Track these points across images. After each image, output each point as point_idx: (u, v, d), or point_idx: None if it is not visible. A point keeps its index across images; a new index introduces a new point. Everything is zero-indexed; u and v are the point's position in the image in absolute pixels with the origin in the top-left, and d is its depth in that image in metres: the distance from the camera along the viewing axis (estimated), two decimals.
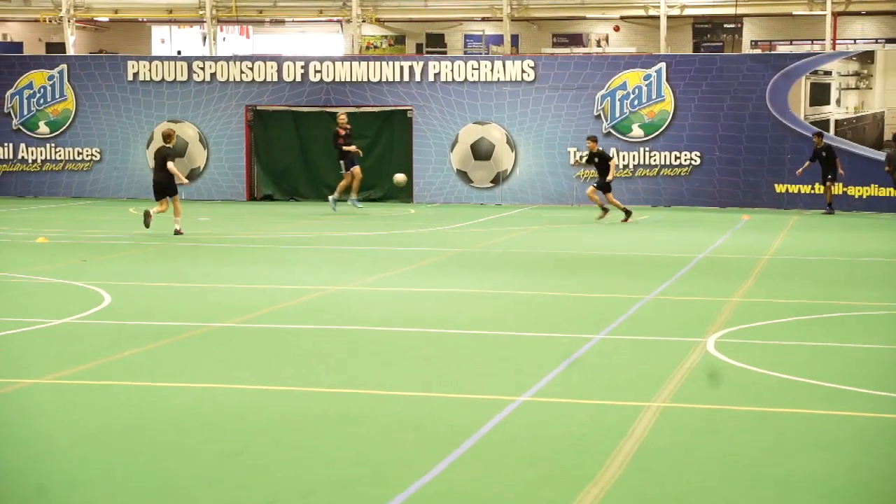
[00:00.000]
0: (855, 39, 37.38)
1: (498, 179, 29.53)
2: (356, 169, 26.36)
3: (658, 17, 33.86)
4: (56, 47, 37.54)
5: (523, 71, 29.23)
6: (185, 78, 30.44)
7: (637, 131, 28.84)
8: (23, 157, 31.25)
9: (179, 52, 38.29)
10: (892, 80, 28.03)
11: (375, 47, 39.54)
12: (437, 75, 29.54)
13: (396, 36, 40.15)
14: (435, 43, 38.51)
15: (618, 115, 28.85)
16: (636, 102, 28.75)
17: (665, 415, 8.41)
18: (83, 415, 8.42)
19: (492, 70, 29.37)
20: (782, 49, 35.89)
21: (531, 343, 11.26)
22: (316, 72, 29.98)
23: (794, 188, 27.92)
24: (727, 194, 28.52)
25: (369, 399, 8.95)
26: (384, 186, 29.38)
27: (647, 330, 11.80)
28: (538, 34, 39.31)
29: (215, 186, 30.48)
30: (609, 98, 28.87)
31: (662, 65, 28.77)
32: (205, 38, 36.90)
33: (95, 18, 37.54)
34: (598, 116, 28.91)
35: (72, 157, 31.06)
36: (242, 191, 30.42)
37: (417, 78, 29.59)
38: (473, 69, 29.46)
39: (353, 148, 26.31)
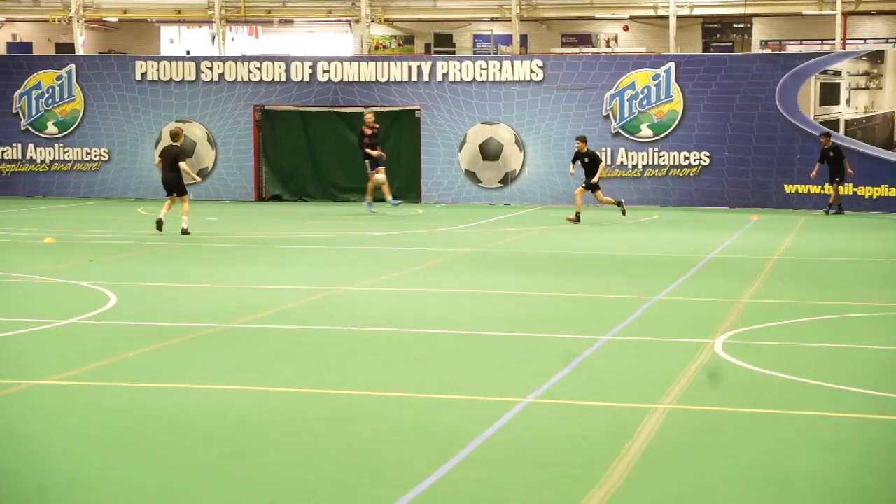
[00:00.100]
0: (865, 39, 37.21)
1: (506, 179, 29.47)
2: (377, 175, 25.92)
3: (667, 17, 33.72)
4: (65, 48, 37.53)
5: (532, 71, 29.17)
6: (193, 78, 30.44)
7: (646, 131, 28.76)
8: (31, 157, 31.26)
9: (188, 53, 38.27)
10: None
11: (384, 47, 39.48)
12: (445, 75, 29.49)
13: (405, 36, 40.08)
14: (444, 43, 38.44)
15: (627, 115, 28.77)
16: (645, 102, 28.68)
17: (671, 417, 8.34)
18: (85, 416, 8.39)
19: (500, 70, 29.31)
20: (792, 49, 35.74)
21: (538, 344, 11.20)
22: (324, 72, 29.95)
23: (803, 188, 27.82)
24: (736, 194, 28.43)
25: (371, 400, 8.91)
26: (392, 187, 29.29)
27: (655, 331, 11.74)
28: (547, 34, 39.20)
29: (223, 186, 30.47)
30: (618, 98, 28.80)
31: (671, 65, 28.68)
32: (214, 39, 36.88)
33: (104, 19, 37.51)
34: (607, 116, 28.84)
35: (80, 158, 31.07)
36: (251, 191, 30.41)
37: (426, 78, 29.55)
38: (482, 69, 29.40)
39: (375, 152, 26.10)
